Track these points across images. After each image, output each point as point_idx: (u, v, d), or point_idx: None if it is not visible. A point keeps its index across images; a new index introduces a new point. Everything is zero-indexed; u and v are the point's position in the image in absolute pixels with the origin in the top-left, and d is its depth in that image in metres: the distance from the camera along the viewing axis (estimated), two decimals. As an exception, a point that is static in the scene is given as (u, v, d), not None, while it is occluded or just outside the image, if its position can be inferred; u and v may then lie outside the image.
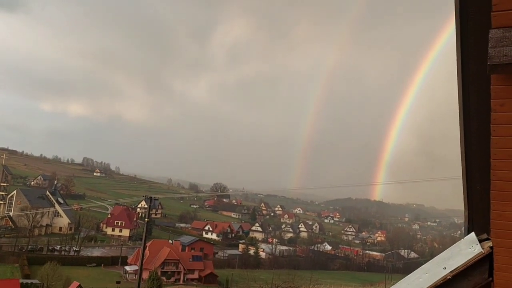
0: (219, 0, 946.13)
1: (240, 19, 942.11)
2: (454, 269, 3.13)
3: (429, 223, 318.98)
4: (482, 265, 3.13)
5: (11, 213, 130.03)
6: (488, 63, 2.35)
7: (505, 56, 2.30)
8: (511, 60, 2.29)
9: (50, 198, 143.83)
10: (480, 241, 3.17)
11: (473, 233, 3.26)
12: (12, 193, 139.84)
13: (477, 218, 3.47)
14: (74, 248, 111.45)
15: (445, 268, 3.17)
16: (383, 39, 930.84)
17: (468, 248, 3.17)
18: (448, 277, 3.13)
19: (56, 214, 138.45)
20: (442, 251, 3.36)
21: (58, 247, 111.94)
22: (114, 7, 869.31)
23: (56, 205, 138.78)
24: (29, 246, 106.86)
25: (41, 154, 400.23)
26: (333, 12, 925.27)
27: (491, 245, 3.05)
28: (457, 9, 2.58)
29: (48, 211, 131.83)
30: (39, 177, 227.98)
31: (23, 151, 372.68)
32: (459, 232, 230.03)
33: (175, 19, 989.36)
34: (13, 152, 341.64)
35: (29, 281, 76.81)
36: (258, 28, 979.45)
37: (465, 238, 3.24)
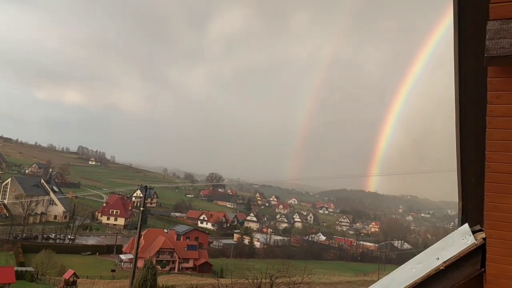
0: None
1: (238, 9, 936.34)
2: (447, 260, 3.16)
3: (423, 215, 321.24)
4: (475, 256, 3.16)
5: (5, 201, 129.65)
6: (485, 55, 2.34)
7: (502, 48, 2.30)
8: (508, 52, 2.29)
9: (45, 186, 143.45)
10: (474, 232, 3.20)
11: (466, 224, 3.28)
12: (7, 181, 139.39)
13: (471, 210, 3.50)
14: (69, 236, 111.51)
15: (438, 258, 3.20)
16: (381, 30, 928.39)
17: (461, 239, 3.19)
18: (441, 267, 3.16)
19: (51, 202, 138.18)
20: (436, 242, 3.38)
21: (53, 235, 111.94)
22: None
23: (51, 193, 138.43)
24: (24, 234, 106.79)
25: (36, 142, 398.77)
26: (331, 2, 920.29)
27: (484, 236, 3.08)
28: (455, 0, 2.57)
29: (43, 199, 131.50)
30: (34, 165, 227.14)
31: (17, 139, 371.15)
32: (452, 223, 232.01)
33: (172, 8, 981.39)
34: (8, 140, 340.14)
35: (23, 268, 76.85)
36: (255, 18, 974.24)
37: (458, 229, 3.27)
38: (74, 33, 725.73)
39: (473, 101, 2.91)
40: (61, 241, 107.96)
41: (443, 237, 3.37)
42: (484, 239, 3.09)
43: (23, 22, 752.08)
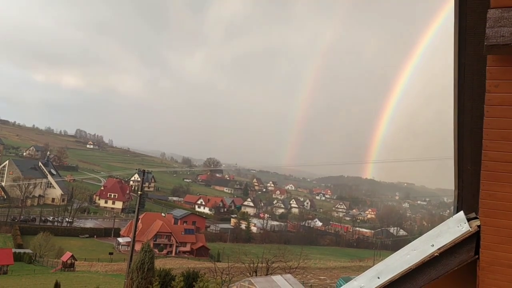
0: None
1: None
2: (442, 247, 3.20)
3: (419, 202, 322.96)
4: (469, 243, 3.19)
5: (3, 183, 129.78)
6: (485, 44, 2.33)
7: (502, 36, 2.29)
8: (508, 41, 2.28)
9: (43, 169, 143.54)
10: (469, 219, 3.23)
11: (461, 212, 3.31)
12: (4, 164, 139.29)
13: (467, 198, 3.52)
14: (67, 219, 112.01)
15: (433, 245, 3.23)
16: (381, 16, 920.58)
17: (456, 226, 3.22)
18: (435, 254, 3.20)
19: (49, 185, 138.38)
20: (431, 229, 3.42)
21: (51, 218, 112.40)
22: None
23: (49, 176, 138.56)
24: (22, 217, 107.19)
25: (34, 125, 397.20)
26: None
27: (479, 224, 3.11)
28: (456, -13, 2.55)
29: (41, 182, 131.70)
30: (31, 148, 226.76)
31: (15, 122, 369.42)
32: (448, 211, 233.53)
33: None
34: (5, 122, 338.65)
35: (22, 250, 77.38)
36: (255, 3, 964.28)
37: (453, 216, 3.30)
38: (73, 15, 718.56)
39: (471, 90, 2.91)
40: (59, 224, 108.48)
41: (439, 224, 3.40)
42: (478, 226, 3.12)
43: (20, 3, 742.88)
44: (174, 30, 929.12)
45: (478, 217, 3.16)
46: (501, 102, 2.54)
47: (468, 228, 3.16)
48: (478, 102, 2.77)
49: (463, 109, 3.07)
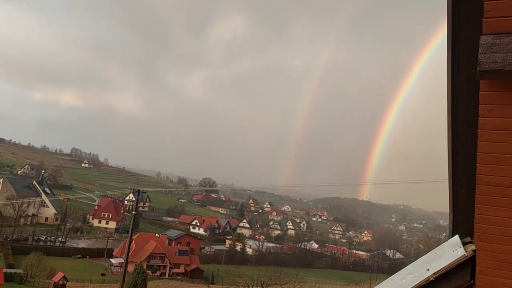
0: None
1: (237, 15, 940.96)
2: (437, 271, 3.17)
3: (415, 225, 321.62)
4: (464, 268, 3.17)
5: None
6: (478, 69, 2.37)
7: (495, 62, 2.33)
8: (500, 67, 2.32)
9: (37, 187, 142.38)
10: (464, 244, 3.21)
11: (457, 236, 3.30)
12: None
13: (462, 221, 3.52)
14: (60, 239, 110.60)
15: (428, 269, 3.21)
16: (377, 39, 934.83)
17: (451, 251, 3.21)
18: (431, 278, 3.17)
19: (43, 204, 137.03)
20: (427, 253, 3.40)
21: (43, 238, 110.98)
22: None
23: (43, 195, 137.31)
24: (14, 236, 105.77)
25: (29, 143, 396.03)
26: (328, 10, 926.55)
27: (474, 249, 3.09)
28: (449, 13, 2.60)
29: (35, 201, 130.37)
30: (26, 166, 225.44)
31: (10, 140, 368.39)
32: (444, 234, 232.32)
33: (172, 11, 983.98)
34: (1, 140, 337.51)
35: (13, 270, 76.05)
36: (254, 24, 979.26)
37: (449, 240, 3.29)
38: (73, 34, 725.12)
39: (465, 114, 2.94)
40: (51, 244, 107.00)
41: (434, 248, 3.39)
42: (474, 251, 3.10)
43: (19, 22, 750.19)
44: (174, 50, 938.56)
45: (473, 241, 3.14)
46: (494, 127, 2.56)
47: (464, 252, 3.14)
48: (472, 126, 2.80)
49: (457, 133, 3.09)
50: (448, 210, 3.70)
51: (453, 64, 2.75)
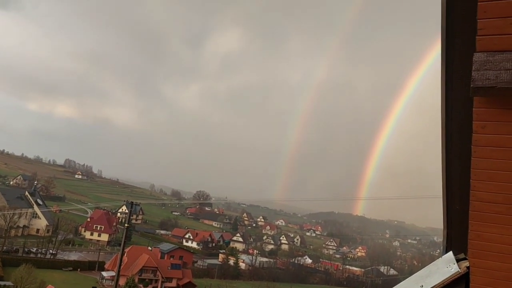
0: (214, 8, 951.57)
1: (234, 29, 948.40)
2: (431, 288, 3.16)
3: (409, 241, 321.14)
4: (458, 284, 3.16)
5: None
6: (471, 86, 2.40)
7: (488, 79, 2.36)
8: (493, 84, 2.34)
9: (29, 198, 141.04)
10: (458, 260, 3.20)
11: (451, 252, 3.29)
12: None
13: (456, 238, 3.51)
14: (51, 251, 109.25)
15: (422, 286, 3.20)
16: (372, 55, 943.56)
17: (445, 267, 3.20)
18: (425, 295, 3.15)
19: (34, 215, 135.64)
20: (421, 269, 3.38)
21: (34, 249, 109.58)
22: (107, 9, 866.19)
23: (35, 206, 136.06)
24: (4, 247, 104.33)
25: (23, 154, 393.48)
26: (324, 25, 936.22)
27: (468, 265, 3.09)
28: (443, 30, 2.63)
29: (26, 212, 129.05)
30: (18, 177, 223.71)
31: (4, 150, 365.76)
32: (438, 250, 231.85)
33: (168, 24, 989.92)
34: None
35: (2, 283, 74.94)
36: (251, 39, 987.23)
37: (442, 257, 3.28)
38: (69, 45, 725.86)
39: (459, 130, 2.96)
40: (42, 256, 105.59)
41: (428, 264, 3.37)
42: (468, 267, 3.09)
43: (14, 32, 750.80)
44: (170, 63, 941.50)
45: (467, 258, 3.14)
46: (488, 143, 2.58)
47: (457, 269, 3.13)
48: (465, 142, 2.81)
49: (451, 149, 3.10)
50: (442, 226, 3.69)
51: (447, 80, 2.78)
